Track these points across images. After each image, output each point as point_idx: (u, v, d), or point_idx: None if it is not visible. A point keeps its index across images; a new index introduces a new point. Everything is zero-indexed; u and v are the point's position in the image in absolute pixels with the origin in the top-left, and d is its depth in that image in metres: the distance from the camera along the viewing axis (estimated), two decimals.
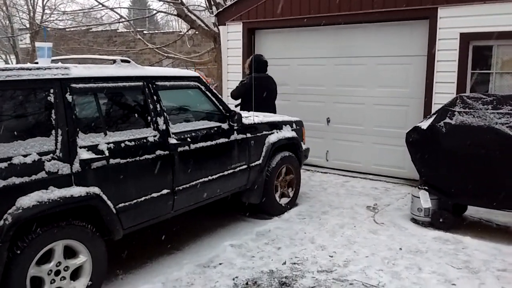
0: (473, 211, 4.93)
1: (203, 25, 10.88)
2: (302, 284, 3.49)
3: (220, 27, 7.95)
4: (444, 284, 3.48)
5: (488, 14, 5.38)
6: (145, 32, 17.89)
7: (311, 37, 7.03)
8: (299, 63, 7.19)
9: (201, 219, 4.84)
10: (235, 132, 4.46)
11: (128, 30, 17.04)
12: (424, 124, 4.62)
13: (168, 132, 3.78)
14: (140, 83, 3.70)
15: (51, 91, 3.07)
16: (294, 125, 5.37)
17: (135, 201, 3.47)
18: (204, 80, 4.46)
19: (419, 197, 4.63)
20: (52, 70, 3.13)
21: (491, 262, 3.83)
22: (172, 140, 3.77)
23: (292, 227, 4.66)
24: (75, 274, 3.15)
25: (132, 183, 3.45)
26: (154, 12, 15.58)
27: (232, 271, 3.72)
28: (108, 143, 3.31)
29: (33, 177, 2.86)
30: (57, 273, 3.02)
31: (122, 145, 3.40)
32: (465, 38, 5.60)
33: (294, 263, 3.84)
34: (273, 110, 6.10)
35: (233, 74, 7.74)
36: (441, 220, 4.53)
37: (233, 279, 3.58)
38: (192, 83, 4.26)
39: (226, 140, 4.35)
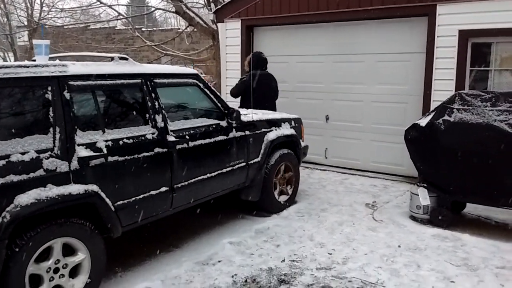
0: (471, 209, 4.93)
1: (201, 22, 10.86)
2: (301, 282, 3.49)
3: (219, 24, 7.93)
4: (442, 281, 3.48)
5: (487, 11, 5.38)
6: (143, 29, 17.85)
7: (310, 34, 7.01)
8: (297, 60, 7.18)
9: (200, 217, 4.83)
10: (234, 129, 4.45)
11: (126, 28, 16.99)
12: (423, 121, 4.62)
13: (167, 129, 3.77)
14: (138, 81, 3.69)
15: (49, 88, 3.05)
16: (292, 123, 5.37)
17: (133, 198, 3.46)
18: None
19: (418, 195, 4.63)
20: (50, 67, 3.12)
21: (490, 259, 3.83)
22: (171, 138, 3.76)
23: (291, 224, 4.67)
24: (74, 272, 3.14)
25: (130, 180, 3.44)
26: (153, 9, 15.55)
27: (231, 268, 3.72)
28: (106, 141, 3.30)
29: (31, 174, 2.85)
30: (56, 270, 3.02)
31: (121, 142, 3.39)
32: (464, 35, 5.60)
33: (293, 261, 3.84)
34: (273, 107, 6.06)
35: (231, 71, 7.72)
36: (440, 217, 4.53)
37: (232, 277, 3.58)
38: (190, 80, 4.24)
39: (225, 137, 4.34)
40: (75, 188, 3.03)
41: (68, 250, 3.10)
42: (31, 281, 2.90)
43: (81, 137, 3.18)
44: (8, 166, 2.74)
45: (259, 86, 5.77)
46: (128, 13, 19.33)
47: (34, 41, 3.50)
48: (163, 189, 3.70)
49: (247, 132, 4.63)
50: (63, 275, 3.05)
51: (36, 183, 2.86)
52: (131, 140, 3.46)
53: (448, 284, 3.44)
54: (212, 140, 4.18)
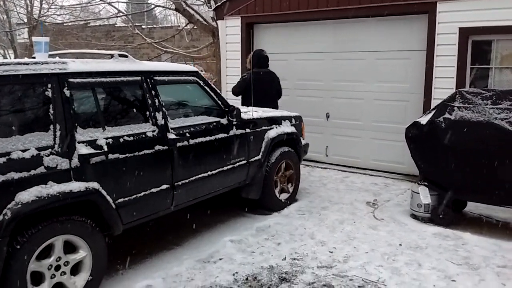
0: (472, 207, 4.93)
1: (201, 19, 10.83)
2: (302, 280, 3.49)
3: (219, 22, 7.92)
4: (444, 280, 3.48)
5: (487, 9, 5.36)
6: (143, 26, 17.81)
7: (310, 31, 7.00)
8: (297, 58, 7.16)
9: (201, 215, 4.83)
10: (234, 127, 4.44)
11: (126, 25, 16.96)
12: (424, 120, 4.61)
13: (167, 127, 3.76)
14: (138, 78, 3.68)
15: (49, 86, 3.05)
16: (293, 121, 5.36)
17: (134, 196, 3.46)
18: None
19: (418, 193, 4.63)
20: (50, 64, 3.11)
21: (491, 258, 3.82)
22: (171, 135, 3.75)
23: (292, 222, 4.66)
24: (75, 269, 3.14)
25: (131, 178, 3.44)
26: (152, 6, 15.53)
27: (232, 266, 3.71)
28: (106, 138, 3.29)
29: (32, 172, 2.84)
30: (57, 268, 3.02)
31: (121, 140, 3.38)
32: (464, 33, 5.58)
33: (294, 259, 3.84)
34: (274, 106, 6.00)
35: (232, 69, 7.71)
36: (441, 216, 4.52)
37: (233, 275, 3.58)
38: (190, 78, 4.23)
39: (225, 135, 4.33)
40: (76, 186, 3.03)
41: (70, 248, 3.10)
42: (33, 278, 2.89)
43: (82, 134, 3.17)
44: (8, 164, 2.74)
45: (259, 84, 5.74)
46: (128, 10, 19.29)
47: (34, 39, 3.49)
48: (164, 186, 3.70)
49: (248, 130, 4.62)
50: (64, 273, 3.05)
51: (37, 180, 2.86)
52: (131, 138, 3.46)
53: (449, 283, 3.44)
54: (212, 137, 4.17)
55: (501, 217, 4.77)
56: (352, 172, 6.66)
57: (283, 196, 5.16)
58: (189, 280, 3.50)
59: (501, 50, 5.55)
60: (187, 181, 3.90)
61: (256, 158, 4.73)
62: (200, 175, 4.03)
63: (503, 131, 4.09)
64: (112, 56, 3.68)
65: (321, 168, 6.94)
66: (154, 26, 18.79)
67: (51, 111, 3.03)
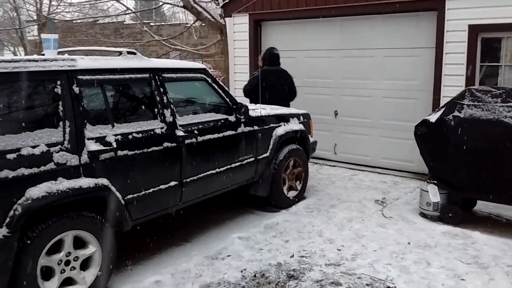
0: (482, 206, 4.89)
1: (209, 16, 10.82)
2: (310, 277, 3.48)
3: (227, 19, 7.91)
4: (453, 279, 3.45)
5: (497, 6, 5.29)
6: (151, 24, 17.83)
7: (318, 28, 6.97)
8: (306, 55, 7.14)
9: (209, 212, 4.84)
10: (242, 124, 4.44)
11: (134, 22, 16.99)
12: (433, 117, 4.58)
13: (175, 124, 3.77)
14: (147, 75, 3.69)
15: (58, 82, 3.07)
16: (301, 118, 5.35)
17: (143, 192, 3.48)
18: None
19: (428, 191, 4.60)
20: (59, 61, 3.13)
21: (501, 257, 3.79)
22: (179, 132, 3.76)
23: (300, 220, 4.66)
24: (85, 265, 3.16)
25: (140, 175, 3.45)
26: (160, 3, 15.54)
27: (240, 263, 3.72)
28: (115, 135, 3.31)
29: (42, 168, 2.86)
30: (67, 263, 3.04)
31: (130, 137, 3.40)
32: (474, 30, 5.53)
33: (302, 256, 3.84)
34: (285, 104, 5.85)
35: (240, 66, 7.71)
36: (450, 214, 4.49)
37: (241, 271, 3.58)
38: (198, 75, 4.24)
39: (233, 132, 4.34)
40: (85, 182, 3.05)
41: (79, 243, 3.12)
42: (43, 273, 2.92)
43: (91, 131, 3.19)
44: (19, 160, 2.76)
45: (269, 82, 5.72)
46: (137, 7, 19.34)
47: (43, 35, 3.51)
48: (172, 183, 3.71)
49: (256, 127, 4.62)
50: (74, 268, 3.08)
51: (47, 176, 2.88)
52: (140, 135, 3.47)
53: (458, 281, 3.42)
54: (220, 135, 4.18)
55: (510, 216, 4.73)
56: (360, 170, 6.63)
57: (291, 194, 5.16)
58: (197, 276, 3.52)
59: (511, 47, 5.49)
60: (195, 178, 3.91)
61: (264, 155, 4.73)
62: (208, 172, 4.04)
63: None
64: (120, 53, 3.69)
65: (330, 166, 6.93)
66: (163, 23, 18.80)
67: (61, 107, 3.04)
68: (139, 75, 3.64)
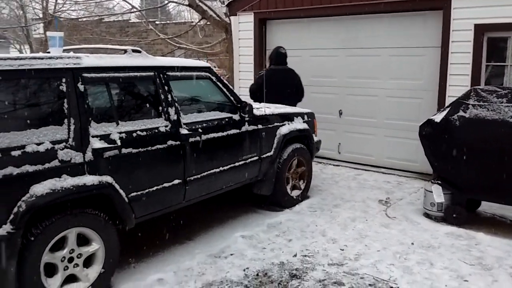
0: (486, 207, 4.86)
1: (214, 15, 10.82)
2: (312, 277, 3.48)
3: (232, 18, 7.91)
4: (456, 280, 3.44)
5: (503, 5, 5.25)
6: (157, 22, 17.87)
7: (323, 27, 6.96)
8: (311, 54, 7.13)
9: (213, 210, 4.85)
10: (246, 123, 4.44)
11: (140, 21, 17.03)
12: (438, 117, 4.56)
13: (180, 122, 3.77)
14: (151, 73, 3.70)
15: (63, 80, 3.07)
16: (305, 117, 5.34)
17: (147, 190, 3.48)
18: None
19: (432, 192, 4.58)
20: (64, 59, 3.14)
21: (505, 259, 3.77)
22: (184, 131, 3.77)
23: (303, 219, 4.65)
24: (88, 262, 3.18)
25: (144, 172, 3.46)
26: (166, 2, 15.55)
27: (243, 262, 3.72)
28: (120, 133, 3.31)
29: (46, 165, 2.88)
30: (70, 260, 3.05)
31: (134, 135, 3.40)
32: (480, 30, 5.49)
33: (305, 256, 3.83)
34: (291, 103, 5.75)
35: (244, 65, 7.70)
36: (454, 215, 4.48)
37: (244, 270, 3.58)
38: (203, 73, 4.24)
39: (237, 131, 4.34)
40: (89, 179, 3.06)
41: (83, 240, 3.14)
42: (46, 270, 2.93)
43: (95, 128, 3.20)
44: (23, 156, 2.77)
45: (275, 81, 5.70)
46: (142, 6, 19.38)
47: (48, 33, 3.52)
48: (176, 181, 3.72)
49: (260, 126, 4.62)
50: (77, 265, 3.09)
51: (51, 173, 2.89)
52: (144, 133, 3.48)
53: (462, 283, 3.40)
54: (224, 133, 4.18)
55: None
56: (364, 169, 6.62)
57: (295, 193, 5.15)
58: (200, 275, 3.52)
59: None
60: (199, 176, 3.91)
61: (268, 154, 4.73)
62: (212, 171, 4.05)
63: None
64: (125, 51, 3.69)
65: (334, 165, 6.92)
66: (168, 22, 18.83)
67: (66, 105, 3.05)
68: (144, 73, 3.65)
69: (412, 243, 4.07)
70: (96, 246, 3.16)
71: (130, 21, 18.19)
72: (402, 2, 5.94)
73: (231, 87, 4.51)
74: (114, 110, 3.41)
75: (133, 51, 3.71)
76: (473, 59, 5.57)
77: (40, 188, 2.81)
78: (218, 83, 4.34)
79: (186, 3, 11.47)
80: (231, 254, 3.86)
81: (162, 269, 3.60)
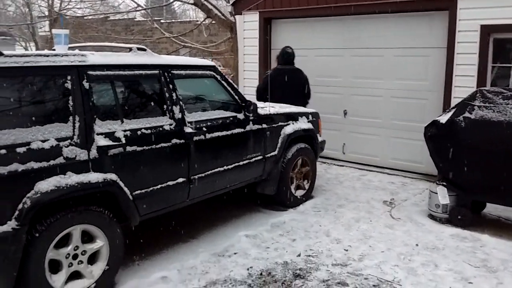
0: (491, 209, 4.84)
1: (219, 14, 10.82)
2: (316, 277, 3.47)
3: (236, 17, 7.90)
4: (460, 282, 3.42)
5: (510, 6, 5.22)
6: (162, 21, 17.88)
7: (328, 27, 6.94)
8: (316, 54, 7.11)
9: (217, 209, 4.84)
10: (251, 122, 4.44)
11: (145, 19, 17.04)
12: (443, 118, 4.54)
13: (184, 121, 3.77)
14: (156, 72, 3.70)
15: (68, 77, 3.08)
16: (310, 117, 5.33)
17: (151, 188, 3.49)
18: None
19: (437, 193, 4.56)
20: (69, 57, 3.15)
21: (510, 261, 3.75)
22: (188, 129, 3.76)
23: (307, 219, 4.64)
24: (92, 259, 3.18)
25: (148, 171, 3.46)
26: (171, 0, 15.56)
27: (247, 261, 3.72)
28: (124, 131, 3.31)
29: (51, 162, 2.88)
30: (75, 256, 3.06)
31: (139, 133, 3.40)
32: (486, 31, 5.46)
33: (309, 256, 3.82)
34: (298, 104, 5.65)
35: (249, 64, 7.69)
36: (459, 217, 4.45)
37: (248, 269, 3.58)
38: (207, 72, 4.24)
39: (242, 130, 4.33)
40: (94, 177, 3.06)
41: (87, 237, 3.14)
42: (51, 266, 2.94)
43: (100, 126, 3.20)
44: (28, 153, 2.77)
45: (280, 81, 5.69)
46: (147, 4, 19.41)
47: (54, 31, 3.53)
48: (180, 180, 3.72)
49: (264, 125, 4.61)
50: (81, 262, 3.10)
51: (56, 170, 2.90)
52: (149, 131, 3.48)
53: (466, 285, 3.39)
54: (229, 132, 4.18)
55: None
56: (369, 170, 6.60)
57: (299, 193, 5.14)
58: (203, 273, 3.52)
59: None
60: (203, 175, 3.91)
61: (273, 153, 4.72)
62: (216, 169, 4.04)
63: None
64: (130, 49, 3.70)
65: (338, 165, 6.90)
66: (173, 20, 18.86)
67: (71, 102, 3.06)
68: (148, 72, 3.65)
69: (417, 245, 4.05)
70: (100, 243, 3.17)
71: (135, 19, 18.21)
72: (407, 2, 5.91)
73: (235, 86, 4.50)
74: (119, 108, 3.41)
75: (138, 49, 3.72)
76: (479, 60, 5.53)
77: (45, 185, 2.81)
78: (223, 82, 4.33)
79: (191, 1, 11.46)
80: (235, 253, 3.85)
81: (166, 267, 3.60)
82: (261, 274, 3.51)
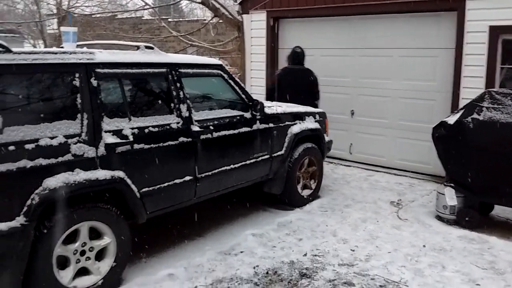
0: (499, 211, 4.80)
1: (227, 13, 10.82)
2: (322, 276, 3.46)
3: (244, 16, 7.90)
4: (468, 283, 3.40)
5: None
6: (170, 20, 17.93)
7: (336, 27, 6.92)
8: (323, 54, 7.09)
9: (223, 208, 4.84)
10: (258, 121, 4.43)
11: (153, 18, 17.10)
12: (451, 119, 4.52)
13: (191, 119, 3.78)
14: (164, 70, 3.71)
15: (76, 75, 3.09)
16: (317, 117, 5.32)
17: (158, 186, 3.49)
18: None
19: (444, 194, 4.53)
20: (78, 54, 3.16)
21: None
22: (195, 128, 3.77)
23: (314, 219, 4.63)
24: (100, 255, 3.20)
25: (155, 168, 3.47)
26: None
27: (253, 259, 3.72)
28: (132, 128, 3.32)
29: (60, 159, 2.89)
30: (82, 253, 3.08)
31: (146, 130, 3.41)
32: (494, 31, 5.42)
33: (315, 255, 3.82)
34: (306, 104, 5.56)
35: (256, 63, 7.69)
36: (466, 218, 4.43)
37: (254, 268, 3.58)
38: (215, 71, 4.24)
39: (249, 129, 4.33)
40: (102, 174, 3.08)
41: (95, 234, 3.16)
42: (58, 262, 2.95)
43: (108, 124, 3.21)
44: (37, 150, 2.79)
45: (288, 81, 5.68)
46: (155, 3, 19.46)
47: (62, 28, 3.54)
48: (187, 178, 3.72)
49: (271, 125, 4.60)
50: (89, 258, 3.11)
51: (64, 167, 2.91)
52: (156, 129, 3.49)
53: (473, 286, 3.36)
54: (236, 131, 4.17)
55: None
56: (376, 170, 6.57)
57: (306, 192, 5.13)
58: (210, 271, 3.52)
59: None
60: (210, 173, 3.91)
61: (279, 153, 4.71)
62: (223, 168, 4.04)
63: None
64: (138, 47, 3.70)
65: (345, 165, 6.88)
66: (181, 19, 18.90)
67: (79, 100, 3.07)
68: (156, 70, 3.65)
69: (424, 246, 4.03)
70: (108, 240, 3.18)
71: (143, 18, 18.27)
72: (416, 2, 5.88)
73: (242, 85, 4.50)
74: (126, 105, 3.42)
75: (146, 47, 3.72)
76: (487, 61, 5.50)
77: (53, 182, 2.83)
78: (230, 80, 4.33)
79: (199, 0, 11.47)
80: (241, 252, 3.85)
81: (173, 264, 3.61)
82: (267, 273, 3.51)
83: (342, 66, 6.91)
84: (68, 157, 2.93)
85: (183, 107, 3.74)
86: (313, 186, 5.24)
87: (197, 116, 3.86)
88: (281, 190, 4.82)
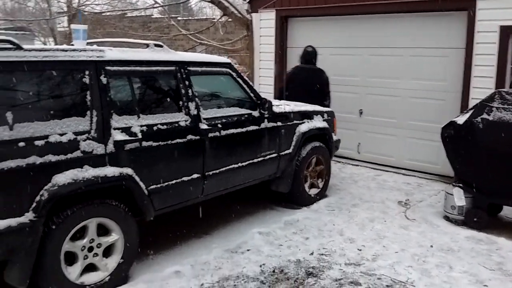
0: (508, 212, 4.76)
1: (236, 12, 10.82)
2: (329, 276, 3.46)
3: (253, 15, 7.90)
4: (475, 284, 3.38)
5: None
6: (179, 18, 17.96)
7: (345, 26, 6.89)
8: (332, 53, 7.07)
9: (230, 206, 4.86)
10: (266, 120, 4.44)
11: (162, 16, 17.15)
12: (461, 119, 4.49)
13: (199, 117, 3.79)
14: (173, 68, 3.72)
15: (86, 72, 3.11)
16: (325, 116, 5.31)
17: (166, 183, 3.51)
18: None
19: (453, 195, 4.51)
20: (88, 52, 3.18)
21: None
22: (203, 126, 3.78)
23: (321, 218, 4.63)
24: (107, 252, 3.22)
25: (163, 166, 3.49)
26: None
27: (260, 258, 3.72)
28: (141, 126, 3.35)
29: (69, 155, 2.92)
30: (90, 249, 3.10)
31: (155, 128, 3.43)
32: (505, 31, 5.37)
33: (322, 254, 3.81)
34: (315, 102, 5.51)
35: (265, 62, 7.69)
36: (475, 219, 4.40)
37: (260, 266, 3.59)
38: (223, 69, 4.25)
39: (257, 127, 4.34)
40: (110, 171, 3.10)
41: (103, 230, 3.18)
42: (66, 258, 2.98)
43: (117, 121, 3.23)
44: (46, 146, 2.82)
45: (298, 80, 5.67)
46: (164, 1, 19.50)
47: (72, 26, 3.58)
48: (195, 176, 3.74)
49: (279, 123, 4.61)
50: (96, 254, 3.14)
51: (73, 163, 2.94)
52: (164, 126, 3.51)
53: (481, 287, 3.34)
54: (244, 129, 4.18)
55: None
56: (384, 170, 6.54)
57: (313, 191, 5.13)
58: (216, 269, 3.54)
59: None
60: (217, 171, 3.93)
61: (287, 151, 4.71)
62: (230, 166, 4.06)
63: None
64: (147, 45, 3.73)
65: (353, 165, 6.86)
66: (190, 18, 18.92)
67: (88, 97, 3.09)
68: (165, 68, 3.67)
69: (431, 246, 4.01)
70: (115, 236, 3.21)
71: (152, 16, 18.33)
72: (426, 2, 5.84)
73: (251, 83, 4.51)
74: (135, 103, 3.44)
75: (155, 45, 3.74)
76: (497, 61, 5.45)
77: (62, 178, 2.85)
78: (238, 79, 4.34)
79: None
80: (248, 250, 3.86)
81: (180, 261, 3.63)
82: (273, 271, 3.52)
83: (351, 65, 6.88)
84: (77, 153, 2.96)
85: (192, 105, 3.75)
86: (321, 185, 5.23)
87: (205, 114, 3.87)
88: (289, 189, 4.82)
